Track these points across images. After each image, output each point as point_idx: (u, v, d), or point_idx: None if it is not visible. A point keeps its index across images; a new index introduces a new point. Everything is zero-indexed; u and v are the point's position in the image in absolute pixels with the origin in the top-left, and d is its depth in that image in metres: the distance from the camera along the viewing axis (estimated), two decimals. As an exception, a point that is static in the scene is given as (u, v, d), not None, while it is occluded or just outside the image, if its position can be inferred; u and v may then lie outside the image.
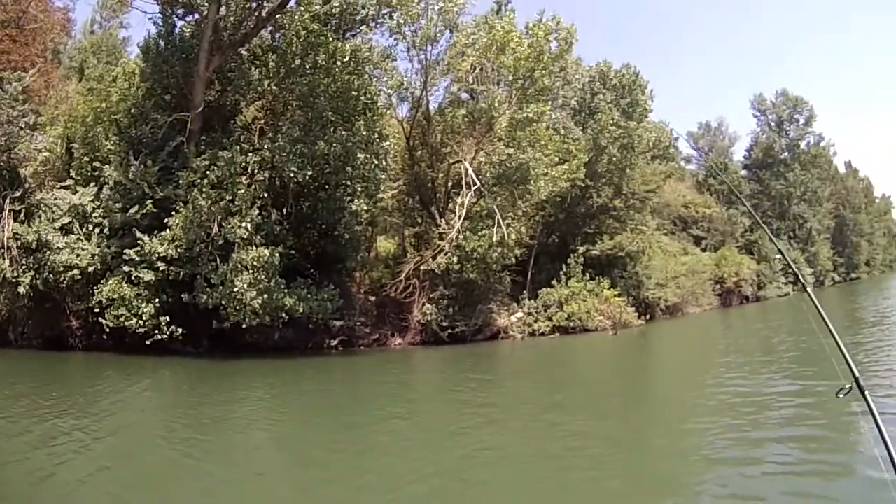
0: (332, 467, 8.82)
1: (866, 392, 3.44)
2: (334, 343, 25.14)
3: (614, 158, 35.92)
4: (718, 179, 55.27)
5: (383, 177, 25.63)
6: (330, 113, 23.68)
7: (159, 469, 8.27)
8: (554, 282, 32.34)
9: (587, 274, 33.37)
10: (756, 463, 8.75)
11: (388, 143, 25.83)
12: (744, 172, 68.30)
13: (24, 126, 24.92)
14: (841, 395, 3.57)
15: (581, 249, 34.26)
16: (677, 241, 49.23)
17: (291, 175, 22.37)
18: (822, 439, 9.73)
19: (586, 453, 9.68)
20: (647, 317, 35.96)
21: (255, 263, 21.43)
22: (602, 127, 35.55)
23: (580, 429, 11.31)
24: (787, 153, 68.91)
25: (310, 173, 22.59)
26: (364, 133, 23.85)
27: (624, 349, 27.73)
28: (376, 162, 24.32)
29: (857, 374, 3.65)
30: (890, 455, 3.08)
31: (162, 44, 25.81)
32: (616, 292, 33.83)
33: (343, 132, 23.29)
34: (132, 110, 25.08)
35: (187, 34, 26.30)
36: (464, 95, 30.63)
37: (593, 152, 34.82)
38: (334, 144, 22.92)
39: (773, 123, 69.95)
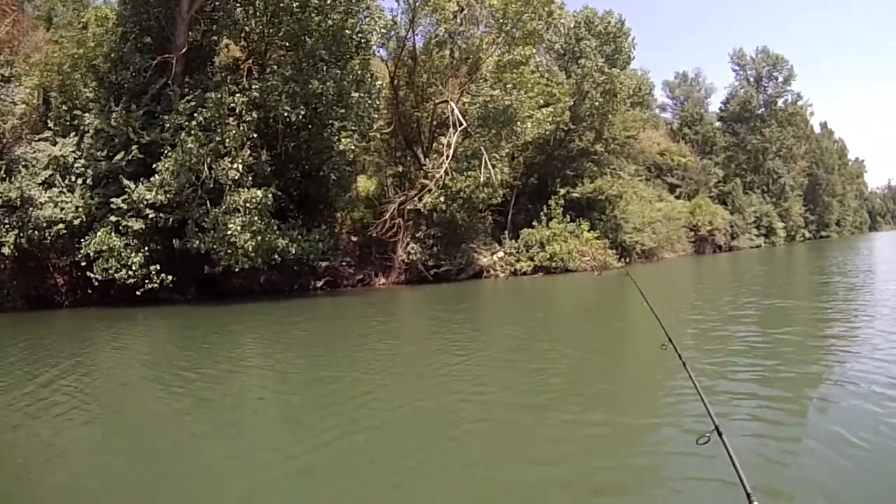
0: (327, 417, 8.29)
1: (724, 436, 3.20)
2: (320, 284, 25.29)
3: (596, 104, 36.50)
4: (693, 129, 55.94)
5: (376, 116, 25.55)
6: (323, 52, 23.43)
7: (156, 420, 8.26)
8: (535, 223, 33.02)
9: (567, 216, 34.05)
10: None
11: (379, 82, 25.71)
12: (718, 124, 69.13)
13: None
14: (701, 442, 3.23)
15: (562, 191, 34.87)
16: (652, 187, 50.08)
17: (285, 114, 22.15)
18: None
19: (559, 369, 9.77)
20: (626, 260, 36.80)
21: (247, 205, 21.45)
22: (586, 73, 36.02)
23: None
24: (763, 109, 69.87)
25: (303, 112, 22.40)
26: (359, 72, 23.73)
27: (611, 287, 28.35)
28: (370, 101, 24.21)
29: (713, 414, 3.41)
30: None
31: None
32: (595, 235, 34.62)
33: (337, 71, 23.12)
34: (111, 55, 24.46)
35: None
36: (449, 36, 30.46)
37: (576, 97, 35.13)
38: (328, 83, 22.78)
39: (751, 79, 70.83)
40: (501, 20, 28.95)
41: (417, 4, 28.91)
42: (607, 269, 33.39)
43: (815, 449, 5.71)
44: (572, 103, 34.05)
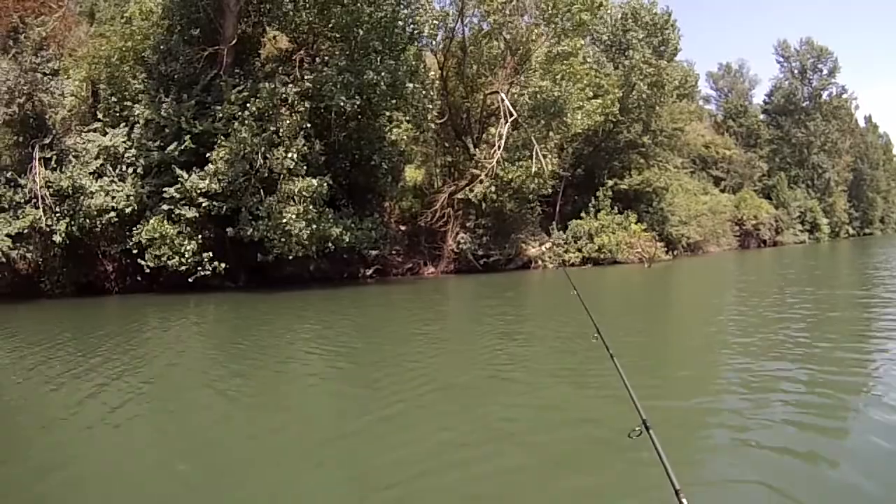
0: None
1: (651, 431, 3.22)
2: (369, 272, 25.23)
3: (644, 96, 35.90)
4: (738, 121, 54.77)
5: (430, 106, 25.36)
6: (376, 42, 23.34)
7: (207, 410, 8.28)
8: (583, 214, 32.72)
9: (615, 208, 33.67)
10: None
11: (432, 73, 25.48)
12: (762, 117, 67.52)
13: (47, 72, 24.30)
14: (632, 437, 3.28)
15: (609, 183, 34.49)
16: (697, 180, 49.14)
17: (341, 104, 22.05)
18: None
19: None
20: (673, 253, 36.34)
21: (303, 194, 21.39)
22: (634, 64, 35.58)
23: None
24: (808, 102, 68.03)
25: (358, 102, 22.31)
26: (413, 63, 23.62)
27: (662, 281, 27.77)
28: (424, 92, 24.04)
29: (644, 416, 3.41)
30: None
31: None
32: (642, 227, 34.18)
33: (391, 61, 23.00)
34: (160, 47, 24.54)
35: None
36: (497, 27, 30.09)
37: (624, 88, 34.59)
38: (382, 73, 22.66)
39: (796, 71, 68.93)
40: (551, 11, 28.52)
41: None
42: (656, 261, 32.95)
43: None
44: (621, 95, 33.57)
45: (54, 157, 23.06)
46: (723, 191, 51.69)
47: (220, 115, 22.49)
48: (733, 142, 56.80)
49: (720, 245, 44.75)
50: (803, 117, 66.46)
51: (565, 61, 28.68)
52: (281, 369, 10.02)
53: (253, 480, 5.44)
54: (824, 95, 68.75)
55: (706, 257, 40.63)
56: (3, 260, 20.94)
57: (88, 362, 10.61)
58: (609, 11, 37.61)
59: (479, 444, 5.99)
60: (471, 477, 5.24)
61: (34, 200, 21.94)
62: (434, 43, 28.76)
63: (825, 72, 68.68)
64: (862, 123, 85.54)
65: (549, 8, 28.48)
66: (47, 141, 23.26)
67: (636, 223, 33.79)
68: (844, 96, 70.87)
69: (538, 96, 27.66)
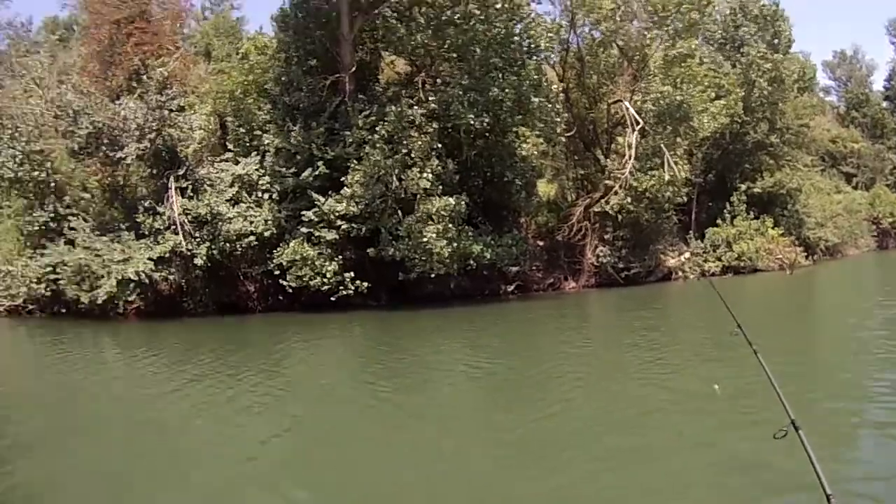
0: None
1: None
2: (510, 289, 24.91)
3: (765, 93, 34.12)
4: (861, 111, 51.13)
5: (558, 119, 24.88)
6: (496, 59, 23.26)
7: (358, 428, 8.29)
8: (718, 220, 31.29)
9: (750, 212, 32.09)
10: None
11: (555, 85, 24.98)
12: (885, 104, 62.37)
13: (173, 108, 25.35)
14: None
15: (742, 187, 32.98)
16: (828, 178, 46.07)
17: (470, 123, 22.05)
18: None
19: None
20: (813, 257, 34.17)
21: (441, 213, 21.38)
22: (751, 61, 33.90)
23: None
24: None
25: (487, 120, 22.28)
26: (535, 76, 23.36)
27: (808, 287, 26.14)
28: (549, 105, 23.67)
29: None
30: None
31: (298, 13, 25.82)
32: (780, 231, 32.31)
33: (514, 77, 22.80)
34: (281, 79, 25.25)
35: (321, 1, 26.08)
36: (610, 35, 29.37)
37: (744, 87, 32.99)
38: (506, 90, 22.52)
39: (912, 51, 63.94)
40: (661, 13, 27.49)
41: (574, 5, 28.03)
42: (797, 267, 31.04)
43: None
44: (742, 94, 32.00)
45: (189, 186, 24.13)
46: (855, 187, 48.26)
47: (350, 139, 22.85)
48: (859, 134, 52.89)
49: (858, 247, 41.75)
50: (929, 101, 61.04)
51: (683, 63, 27.66)
52: (441, 390, 10.00)
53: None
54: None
55: (846, 260, 38.26)
56: (147, 281, 22.03)
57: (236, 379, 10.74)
58: (717, 8, 36.15)
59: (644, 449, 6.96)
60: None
61: (173, 227, 23.01)
62: (551, 56, 28.28)
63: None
64: None
65: (659, 10, 27.58)
66: (181, 172, 24.37)
67: (773, 228, 31.96)
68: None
69: (661, 102, 26.65)
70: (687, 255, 29.17)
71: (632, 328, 16.33)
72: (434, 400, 9.47)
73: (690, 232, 30.47)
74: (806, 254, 33.30)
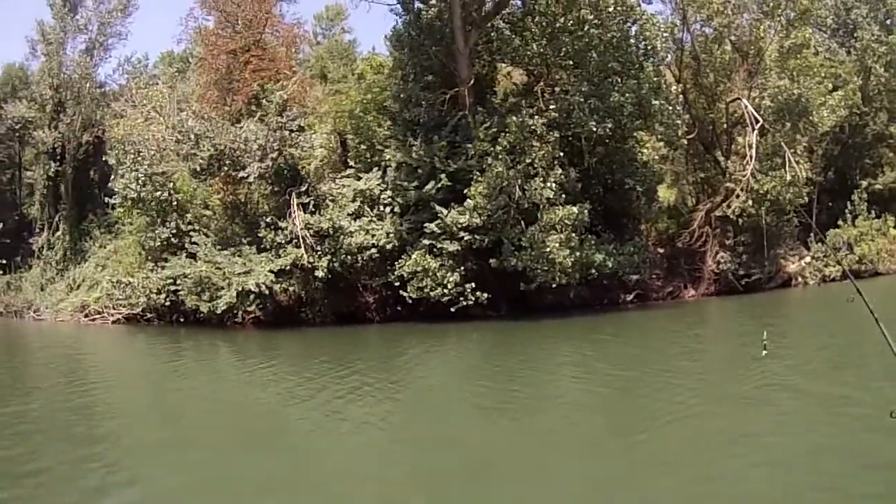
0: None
1: None
2: (630, 297, 24.98)
3: (882, 79, 32.62)
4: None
5: (679, 122, 24.80)
6: (615, 64, 23.41)
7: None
8: (840, 222, 30.14)
9: (871, 211, 30.81)
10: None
11: (675, 87, 24.88)
12: None
13: (293, 129, 26.53)
14: None
15: (863, 184, 31.71)
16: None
17: (592, 129, 22.30)
18: None
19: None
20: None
21: (565, 222, 21.77)
22: (866, 46, 32.48)
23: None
24: None
25: (609, 126, 22.47)
26: (655, 79, 23.43)
27: None
28: (670, 108, 23.65)
29: None
30: None
31: (412, 31, 26.66)
32: (902, 230, 30.79)
33: (633, 81, 22.91)
34: (400, 96, 26.09)
35: (434, 17, 26.94)
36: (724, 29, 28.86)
37: (861, 75, 31.69)
38: (627, 94, 22.65)
39: None
40: (772, 3, 26.77)
41: (685, 2, 27.74)
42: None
43: None
44: (860, 83, 30.78)
45: (311, 202, 25.21)
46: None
47: (472, 152, 23.46)
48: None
49: None
50: None
51: (798, 55, 26.77)
52: (568, 406, 10.39)
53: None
54: None
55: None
56: (267, 292, 23.24)
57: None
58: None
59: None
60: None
61: (295, 241, 24.12)
62: (667, 56, 28.14)
63: None
64: None
65: (769, 1, 26.93)
66: (303, 188, 25.54)
67: (895, 227, 30.61)
68: None
69: (779, 97, 25.97)
70: (808, 259, 28.26)
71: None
72: (553, 416, 9.89)
73: (812, 234, 29.46)
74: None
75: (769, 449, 7.99)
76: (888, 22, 34.96)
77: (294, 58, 38.18)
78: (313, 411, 11.03)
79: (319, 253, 24.03)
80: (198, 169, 25.59)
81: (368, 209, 24.85)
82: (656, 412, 10.09)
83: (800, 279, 27.69)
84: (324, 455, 8.89)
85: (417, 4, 27.28)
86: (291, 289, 24.36)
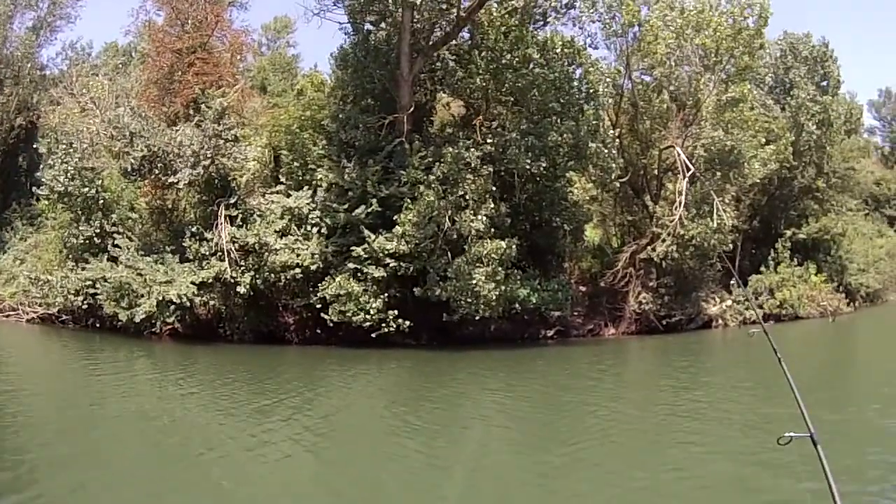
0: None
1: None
2: (550, 334, 25.08)
3: (813, 136, 33.92)
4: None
5: (613, 165, 25.11)
6: (555, 104, 23.59)
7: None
8: (762, 268, 31.24)
9: (794, 259, 31.96)
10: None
11: (613, 131, 25.26)
12: (931, 145, 61.64)
13: (229, 138, 25.88)
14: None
15: (787, 233, 32.87)
16: (871, 222, 45.49)
17: (526, 167, 22.41)
18: None
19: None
20: (854, 304, 33.85)
21: (492, 256, 21.68)
22: (800, 104, 33.78)
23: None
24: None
25: (544, 165, 22.61)
26: (594, 122, 23.59)
27: (853, 336, 26.14)
28: (606, 151, 23.86)
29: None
30: None
31: (358, 52, 26.37)
32: (822, 278, 32.10)
33: (572, 122, 23.09)
34: (338, 116, 25.67)
35: (381, 41, 26.74)
36: (664, 79, 29.60)
37: (794, 130, 32.90)
38: (565, 134, 22.85)
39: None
40: (714, 58, 27.57)
41: (630, 50, 28.36)
42: (838, 314, 30.94)
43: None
44: (792, 139, 31.92)
45: (239, 216, 24.66)
46: (898, 231, 47.48)
47: (405, 179, 23.23)
48: (905, 176, 52.14)
49: (900, 292, 41.03)
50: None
51: (735, 108, 27.60)
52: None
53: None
54: None
55: (888, 306, 37.55)
56: (188, 304, 22.58)
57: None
58: (768, 49, 36.04)
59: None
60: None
61: (219, 253, 23.49)
62: (606, 101, 28.52)
63: None
64: None
65: (712, 54, 27.58)
66: (232, 200, 24.97)
67: (816, 274, 31.80)
68: None
69: (712, 148, 26.79)
70: (729, 302, 29.09)
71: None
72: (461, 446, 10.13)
73: (733, 279, 30.35)
74: (847, 300, 32.97)
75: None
76: (824, 84, 36.54)
77: (238, 65, 37.46)
78: (225, 429, 10.85)
79: (243, 268, 23.42)
80: (129, 168, 24.71)
81: (296, 228, 24.31)
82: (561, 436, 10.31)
83: (720, 321, 28.42)
84: (228, 470, 8.86)
85: (368, 26, 27.06)
86: (212, 303, 23.72)
